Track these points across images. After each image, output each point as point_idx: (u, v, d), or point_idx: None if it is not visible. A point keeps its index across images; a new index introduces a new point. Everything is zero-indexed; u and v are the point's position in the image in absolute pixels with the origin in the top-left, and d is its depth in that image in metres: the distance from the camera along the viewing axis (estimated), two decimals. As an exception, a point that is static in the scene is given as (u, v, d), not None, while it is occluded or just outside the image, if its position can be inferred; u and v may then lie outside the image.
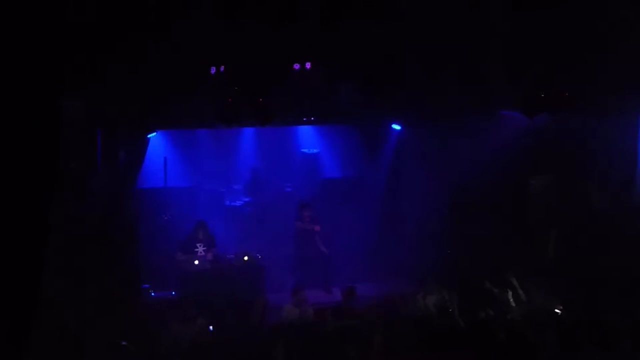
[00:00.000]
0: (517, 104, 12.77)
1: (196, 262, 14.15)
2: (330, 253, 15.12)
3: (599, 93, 12.13)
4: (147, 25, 11.60)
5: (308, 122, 15.61)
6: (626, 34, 11.52)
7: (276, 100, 12.72)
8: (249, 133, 18.25)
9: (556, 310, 10.21)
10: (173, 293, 13.90)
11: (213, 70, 12.90)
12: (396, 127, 15.68)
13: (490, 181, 14.19)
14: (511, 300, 11.24)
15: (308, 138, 18.55)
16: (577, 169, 13.73)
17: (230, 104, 12.39)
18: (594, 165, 13.34)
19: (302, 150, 18.64)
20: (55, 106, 4.66)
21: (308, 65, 13.18)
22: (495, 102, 13.57)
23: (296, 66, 13.13)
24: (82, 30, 10.29)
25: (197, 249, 14.28)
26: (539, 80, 12.29)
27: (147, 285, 13.80)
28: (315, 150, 18.52)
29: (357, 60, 13.08)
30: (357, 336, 9.59)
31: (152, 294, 13.79)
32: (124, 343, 10.45)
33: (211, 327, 11.54)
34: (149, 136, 13.84)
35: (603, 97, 12.19)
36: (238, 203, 17.74)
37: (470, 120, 13.87)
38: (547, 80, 12.21)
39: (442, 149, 14.61)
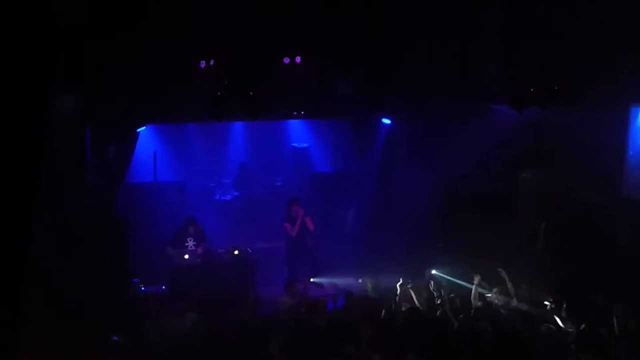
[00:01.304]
0: (506, 98, 12.75)
1: (186, 256, 14.14)
2: (318, 247, 15.08)
3: (587, 86, 12.12)
4: (136, 20, 11.65)
5: (298, 116, 15.59)
6: (615, 27, 11.56)
7: (266, 94, 12.70)
8: (238, 127, 18.25)
9: (545, 303, 10.20)
10: (163, 287, 13.87)
11: (203, 64, 12.92)
12: (386, 121, 15.69)
13: (480, 175, 14.23)
14: (497, 293, 11.26)
15: (298, 132, 18.57)
16: (566, 162, 13.68)
17: (220, 98, 12.35)
18: (583, 158, 13.25)
19: (292, 144, 18.65)
20: (43, 102, 4.64)
21: (298, 59, 13.22)
22: (485, 96, 13.60)
23: (286, 60, 13.17)
24: (71, 26, 10.34)
25: (187, 244, 14.26)
26: (528, 74, 12.32)
27: (137, 280, 13.76)
28: (305, 145, 18.54)
29: (347, 54, 13.15)
30: (347, 329, 9.58)
31: (142, 288, 13.75)
32: (115, 338, 10.39)
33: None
34: (138, 130, 13.77)
35: (591, 90, 12.16)
36: (228, 197, 17.73)
37: (460, 114, 13.88)
38: (536, 74, 12.23)
39: (433, 143, 14.59)
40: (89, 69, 11.67)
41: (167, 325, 11.24)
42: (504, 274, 11.21)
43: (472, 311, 10.65)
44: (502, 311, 10.68)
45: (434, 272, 12.27)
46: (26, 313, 4.82)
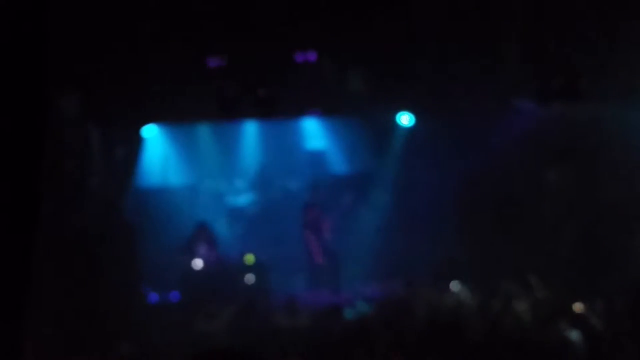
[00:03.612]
0: (530, 94, 12.71)
1: (198, 262, 13.96)
2: (338, 251, 14.90)
3: (613, 82, 12.08)
4: (144, 18, 11.50)
5: (312, 115, 15.40)
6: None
7: (278, 92, 12.54)
8: (251, 128, 18.04)
9: (573, 306, 10.06)
10: (174, 294, 13.73)
11: (212, 62, 12.73)
12: (403, 120, 15.48)
13: (503, 174, 14.11)
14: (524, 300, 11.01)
15: (314, 133, 18.34)
16: (592, 160, 13.70)
17: (230, 97, 12.22)
18: (608, 156, 13.35)
19: (308, 146, 18.42)
20: (43, 102, 4.36)
21: (312, 56, 13.01)
22: (508, 92, 13.43)
23: (299, 57, 12.94)
24: (75, 24, 10.20)
25: (199, 250, 14.08)
26: (553, 70, 12.20)
27: (147, 287, 13.63)
28: (321, 146, 18.32)
29: (363, 51, 12.91)
30: (363, 337, 9.49)
31: (153, 295, 13.66)
32: (123, 345, 10.47)
33: None
34: (147, 133, 13.80)
35: (618, 87, 12.15)
36: (241, 201, 17.50)
37: (482, 111, 13.70)
38: (561, 70, 12.12)
39: (454, 142, 14.45)
40: (96, 69, 11.58)
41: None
42: (534, 281, 11.01)
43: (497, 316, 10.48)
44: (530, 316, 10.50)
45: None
46: (31, 322, 4.57)
